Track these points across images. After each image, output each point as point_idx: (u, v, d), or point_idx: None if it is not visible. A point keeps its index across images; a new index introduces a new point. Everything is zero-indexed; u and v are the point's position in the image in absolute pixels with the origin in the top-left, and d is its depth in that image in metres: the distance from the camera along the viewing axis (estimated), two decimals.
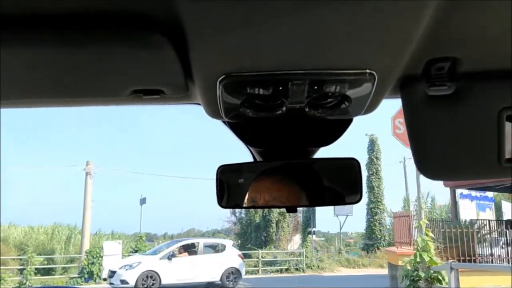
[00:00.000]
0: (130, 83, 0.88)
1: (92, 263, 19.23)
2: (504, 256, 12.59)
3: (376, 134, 26.95)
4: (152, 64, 0.79)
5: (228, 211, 28.86)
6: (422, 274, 10.64)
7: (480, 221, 14.23)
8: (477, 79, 0.89)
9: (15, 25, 0.68)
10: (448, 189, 18.71)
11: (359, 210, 27.54)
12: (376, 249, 26.36)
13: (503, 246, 12.93)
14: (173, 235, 53.62)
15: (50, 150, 61.48)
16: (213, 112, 1.00)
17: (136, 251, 20.25)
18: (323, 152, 1.20)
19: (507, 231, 12.86)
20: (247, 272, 22.20)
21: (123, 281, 15.78)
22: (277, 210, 25.59)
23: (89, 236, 22.63)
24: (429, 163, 0.99)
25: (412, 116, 0.96)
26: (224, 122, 1.10)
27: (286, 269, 22.82)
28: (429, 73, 0.85)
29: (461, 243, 11.98)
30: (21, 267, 19.50)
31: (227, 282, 17.29)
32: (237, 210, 27.89)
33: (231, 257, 17.79)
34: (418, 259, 10.81)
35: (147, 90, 0.90)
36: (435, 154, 0.98)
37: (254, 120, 1.01)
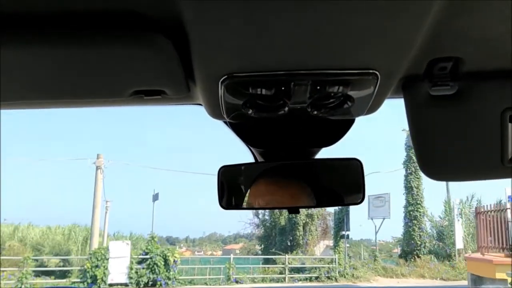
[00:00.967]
0: (131, 84, 0.87)
1: (96, 266, 16.62)
2: None
3: None
4: (154, 64, 0.78)
5: (250, 212, 26.13)
6: None
7: None
8: (479, 79, 0.88)
9: (16, 26, 0.68)
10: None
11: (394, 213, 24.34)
12: (415, 256, 23.16)
13: None
14: (194, 239, 52.28)
15: (58, 143, 59.39)
16: (215, 112, 0.98)
17: (146, 253, 17.55)
18: (325, 152, 1.17)
19: None
20: (271, 280, 19.37)
21: None
22: (304, 211, 22.98)
23: (98, 236, 20.13)
24: (431, 163, 0.98)
25: (414, 116, 0.95)
26: (225, 122, 1.09)
27: (316, 277, 19.88)
28: (431, 73, 0.84)
29: None
30: (37, 268, 18.01)
31: None
32: (260, 211, 25.24)
33: None
34: None
35: (148, 91, 0.89)
36: (437, 154, 0.96)
37: (255, 121, 1.00)
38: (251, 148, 1.21)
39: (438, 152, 0.96)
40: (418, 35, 0.69)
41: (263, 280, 19.66)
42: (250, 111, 0.90)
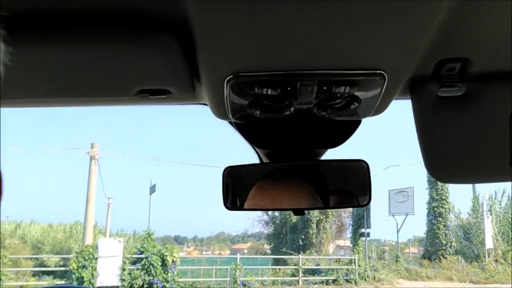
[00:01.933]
0: (137, 83, 0.87)
1: (83, 266, 14.33)
2: None
3: None
4: (159, 64, 0.78)
5: None
6: None
7: None
8: (488, 80, 0.87)
9: (22, 25, 0.68)
10: None
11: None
12: (441, 257, 20.64)
13: None
14: (203, 239, 50.68)
15: (49, 131, 56.72)
16: (220, 112, 0.97)
17: (141, 253, 15.21)
18: (330, 154, 1.11)
19: None
20: (283, 283, 16.92)
21: None
22: None
23: (91, 234, 17.74)
24: (439, 165, 0.97)
25: (422, 117, 0.93)
26: (230, 122, 1.08)
27: (334, 280, 17.47)
28: (439, 74, 0.83)
29: None
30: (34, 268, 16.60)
31: None
32: None
33: None
34: None
35: (153, 90, 0.89)
36: (445, 156, 0.95)
37: (261, 121, 0.98)
38: (256, 149, 1.19)
39: (446, 154, 0.94)
40: (426, 36, 0.68)
41: (274, 283, 17.23)
42: (256, 112, 0.89)
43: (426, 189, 21.62)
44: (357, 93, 0.83)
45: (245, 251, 32.32)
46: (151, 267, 14.93)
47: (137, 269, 14.99)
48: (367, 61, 0.75)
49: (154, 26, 0.69)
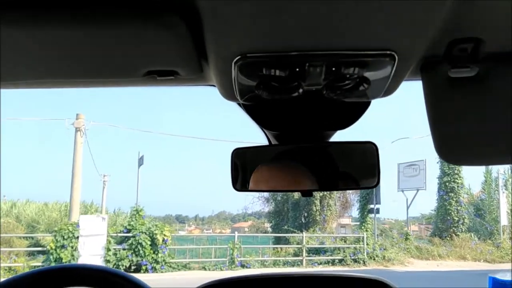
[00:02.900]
0: (144, 64, 0.86)
1: (62, 246, 12.63)
2: None
3: None
4: (166, 44, 0.76)
5: None
6: None
7: None
8: (500, 61, 0.85)
9: (27, 5, 0.68)
10: None
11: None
12: (453, 234, 18.99)
13: None
14: (204, 218, 49.38)
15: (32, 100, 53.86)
16: (228, 94, 0.96)
17: (128, 231, 13.50)
18: (340, 136, 1.14)
19: None
20: (285, 263, 15.25)
21: None
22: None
23: (78, 211, 15.99)
24: (449, 147, 0.93)
25: (432, 99, 0.91)
26: (239, 104, 1.05)
27: (341, 260, 15.81)
28: (451, 55, 0.80)
29: None
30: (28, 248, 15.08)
31: None
32: None
33: None
34: None
35: (161, 71, 0.88)
36: (455, 138, 0.92)
37: (270, 103, 0.99)
38: (265, 130, 1.17)
39: (457, 135, 0.91)
40: (438, 15, 0.66)
41: (275, 263, 15.54)
42: (264, 93, 0.86)
43: (437, 162, 19.87)
44: (366, 74, 0.81)
45: (246, 229, 31.41)
46: (139, 246, 13.30)
47: (124, 249, 13.33)
48: (377, 42, 0.73)
49: (161, 6, 0.68)
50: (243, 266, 14.57)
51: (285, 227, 19.79)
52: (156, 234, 13.49)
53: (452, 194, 19.66)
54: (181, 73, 0.88)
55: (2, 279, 1.03)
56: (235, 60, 0.76)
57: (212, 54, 0.78)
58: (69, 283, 1.03)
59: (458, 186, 19.69)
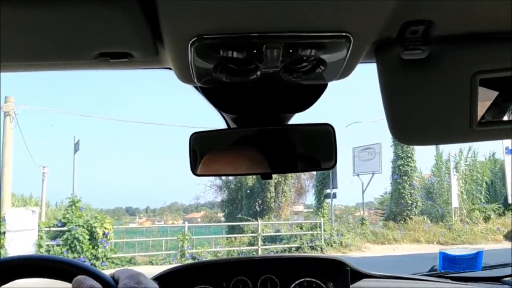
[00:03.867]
0: (96, 46, 0.81)
1: None
2: None
3: None
4: (119, 25, 0.72)
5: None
6: None
7: None
8: (451, 42, 0.87)
9: None
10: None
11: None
12: (407, 218, 18.61)
13: None
14: (155, 209, 47.59)
15: None
16: (185, 77, 0.93)
17: (64, 225, 11.83)
18: (298, 118, 1.15)
19: None
20: (239, 253, 14.13)
21: None
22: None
23: (9, 205, 13.97)
24: (403, 127, 0.96)
25: (386, 81, 0.92)
26: (196, 87, 1.03)
27: (297, 248, 14.84)
28: (403, 37, 0.82)
29: None
30: None
31: None
32: None
33: None
34: None
35: (114, 53, 0.83)
36: (408, 119, 0.94)
37: (227, 86, 0.96)
38: (223, 114, 1.15)
39: (409, 116, 0.93)
40: None
41: (229, 254, 14.39)
42: (222, 76, 0.86)
43: (391, 146, 19.40)
44: (323, 56, 0.82)
45: (199, 219, 30.14)
46: (75, 242, 11.71)
47: (58, 245, 11.67)
48: (333, 23, 0.73)
49: None
50: (194, 258, 13.29)
51: (239, 215, 18.70)
52: (95, 227, 11.93)
53: (406, 178, 19.25)
54: (135, 56, 0.85)
55: None
56: (191, 41, 0.74)
57: (167, 36, 0.75)
58: (23, 274, 0.89)
59: (411, 170, 19.31)
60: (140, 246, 14.88)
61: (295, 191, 21.08)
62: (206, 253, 13.77)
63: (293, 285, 1.63)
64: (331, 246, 15.27)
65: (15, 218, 11.32)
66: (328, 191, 17.42)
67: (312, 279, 1.63)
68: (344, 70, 0.90)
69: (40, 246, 11.44)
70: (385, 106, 0.92)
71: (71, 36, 0.76)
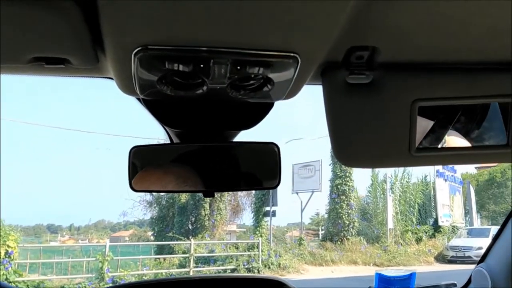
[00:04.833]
0: (30, 49, 0.76)
1: None
2: None
3: None
4: (55, 28, 0.67)
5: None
6: None
7: None
8: (393, 69, 0.87)
9: None
10: None
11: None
12: (344, 238, 17.99)
13: None
14: (80, 227, 44.32)
15: None
16: (127, 87, 0.88)
17: None
18: (242, 136, 1.10)
19: None
20: (169, 276, 12.47)
21: None
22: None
23: None
24: (346, 150, 0.96)
25: (331, 103, 0.91)
26: (138, 99, 0.98)
27: (233, 270, 13.55)
28: (349, 61, 0.82)
29: None
30: None
31: None
32: None
33: None
34: None
35: (49, 58, 0.77)
36: (351, 142, 0.94)
37: (172, 99, 0.92)
38: (167, 128, 1.09)
39: (352, 139, 0.93)
40: (338, 22, 0.66)
41: (156, 276, 12.69)
42: (166, 89, 0.81)
43: (329, 165, 18.83)
44: (270, 75, 0.80)
45: (127, 238, 28.43)
46: None
47: None
48: (281, 43, 0.72)
49: None
50: (114, 282, 11.46)
51: (170, 233, 17.01)
52: None
53: (344, 197, 18.72)
54: (73, 62, 0.78)
55: None
56: (135, 51, 0.69)
57: (109, 44, 0.70)
58: None
59: (349, 189, 18.84)
60: (58, 267, 13.18)
61: (231, 209, 19.79)
62: (130, 276, 11.99)
63: None
64: (269, 268, 14.14)
65: None
66: (268, 208, 16.32)
67: None
68: (290, 90, 0.89)
69: None
70: (329, 127, 0.91)
71: (3, 37, 0.69)
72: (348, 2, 0.62)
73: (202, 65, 0.74)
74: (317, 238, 22.15)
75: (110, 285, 11.17)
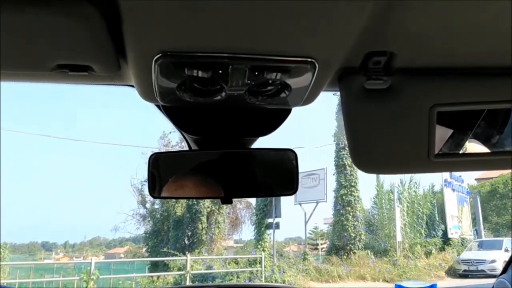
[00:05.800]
0: (54, 56, 0.76)
1: None
2: None
3: None
4: (80, 36, 0.68)
5: (134, 200, 18.70)
6: None
7: None
8: (411, 75, 0.87)
9: None
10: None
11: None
12: (350, 252, 16.62)
13: None
14: (75, 244, 43.04)
15: None
16: (148, 94, 0.90)
17: None
18: (261, 142, 1.08)
19: None
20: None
21: None
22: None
23: None
24: (363, 156, 0.95)
25: (349, 109, 0.91)
26: (158, 106, 0.98)
27: None
28: (366, 67, 0.82)
29: None
30: None
31: None
32: (148, 199, 17.70)
33: None
34: None
35: (73, 66, 0.78)
36: (369, 147, 0.94)
37: (191, 106, 0.93)
38: (185, 135, 1.10)
39: (370, 145, 0.93)
40: (356, 27, 0.66)
41: None
42: (185, 95, 0.82)
43: (334, 174, 17.57)
44: (288, 81, 0.80)
45: (122, 255, 27.34)
46: None
47: None
48: (299, 49, 0.72)
49: None
50: None
51: (165, 249, 15.64)
52: None
53: (349, 208, 17.44)
54: (96, 69, 0.79)
55: None
56: (155, 58, 0.71)
57: (130, 50, 0.72)
58: None
59: (355, 200, 17.57)
60: (50, 285, 12.87)
61: (230, 222, 18.46)
62: None
63: None
64: None
65: None
66: (270, 220, 14.97)
67: None
68: (308, 96, 0.89)
69: None
70: (347, 133, 0.91)
71: (28, 45, 0.71)
72: (365, 8, 0.62)
73: (220, 71, 0.74)
74: (317, 251, 20.89)
75: None
